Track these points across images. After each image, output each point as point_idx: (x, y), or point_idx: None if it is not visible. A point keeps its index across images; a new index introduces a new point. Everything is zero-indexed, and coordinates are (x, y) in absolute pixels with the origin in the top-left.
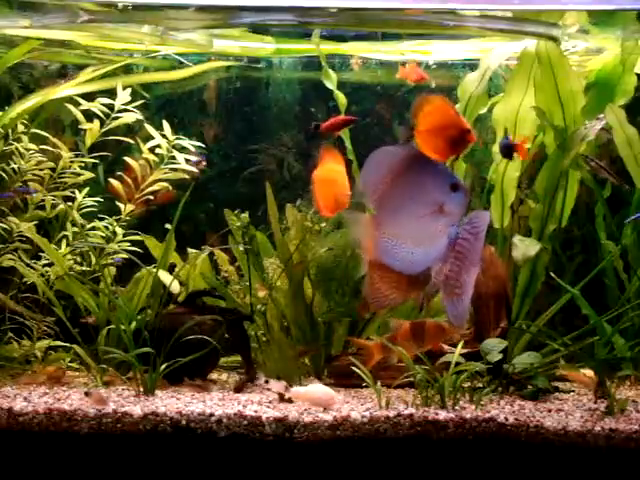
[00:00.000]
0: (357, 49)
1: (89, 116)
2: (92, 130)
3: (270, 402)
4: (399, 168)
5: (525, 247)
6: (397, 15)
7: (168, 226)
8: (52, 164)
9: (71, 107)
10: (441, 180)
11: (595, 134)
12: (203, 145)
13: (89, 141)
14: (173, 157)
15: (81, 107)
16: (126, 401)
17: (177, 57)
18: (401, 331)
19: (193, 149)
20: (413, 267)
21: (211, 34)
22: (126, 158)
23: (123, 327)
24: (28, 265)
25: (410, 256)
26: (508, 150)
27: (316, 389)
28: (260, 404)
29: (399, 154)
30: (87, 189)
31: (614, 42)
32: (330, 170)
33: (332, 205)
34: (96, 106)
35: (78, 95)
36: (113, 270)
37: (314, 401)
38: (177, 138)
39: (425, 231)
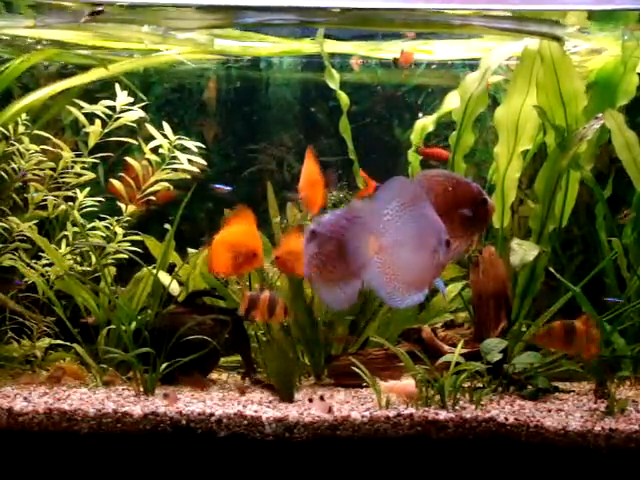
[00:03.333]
0: (358, 48)
1: (89, 116)
2: (95, 131)
3: (270, 402)
4: (409, 202)
5: (523, 252)
6: (400, 14)
7: (168, 226)
8: (53, 164)
9: (72, 109)
10: (439, 230)
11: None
12: (203, 145)
13: (92, 142)
14: (174, 157)
15: (84, 110)
16: (126, 401)
17: (177, 56)
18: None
19: (195, 149)
20: (391, 302)
21: (212, 33)
22: (127, 158)
23: (123, 327)
24: (28, 265)
25: (394, 291)
26: None
27: (401, 383)
28: (260, 404)
29: (412, 188)
30: (88, 189)
31: (614, 42)
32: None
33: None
34: (98, 109)
35: (78, 87)
36: (113, 270)
37: (399, 391)
38: (178, 138)
39: (418, 273)
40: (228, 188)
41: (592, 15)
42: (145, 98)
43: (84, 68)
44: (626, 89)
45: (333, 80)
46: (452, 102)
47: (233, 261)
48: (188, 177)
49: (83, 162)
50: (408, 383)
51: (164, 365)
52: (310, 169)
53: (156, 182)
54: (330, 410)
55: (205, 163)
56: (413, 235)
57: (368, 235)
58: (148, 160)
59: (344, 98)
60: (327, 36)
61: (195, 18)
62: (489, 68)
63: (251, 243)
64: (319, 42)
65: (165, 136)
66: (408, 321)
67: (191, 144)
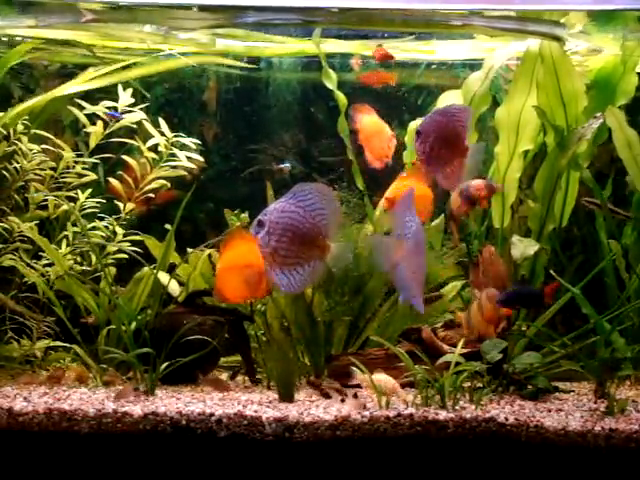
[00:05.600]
0: (358, 48)
1: (90, 117)
2: (96, 132)
3: (270, 402)
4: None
5: (524, 246)
6: (401, 14)
7: (168, 226)
8: (53, 164)
9: (74, 109)
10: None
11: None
12: (202, 144)
13: (93, 143)
14: (172, 155)
15: (85, 111)
16: (126, 401)
17: (178, 55)
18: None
19: (193, 146)
20: (415, 303)
21: (214, 33)
22: (125, 157)
23: (123, 327)
24: (28, 265)
25: (411, 296)
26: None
27: (379, 377)
28: (260, 404)
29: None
30: (89, 190)
31: (613, 42)
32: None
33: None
34: (99, 109)
35: (81, 92)
36: (113, 270)
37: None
38: (175, 136)
39: (423, 274)
40: (287, 165)
41: (592, 15)
42: (148, 95)
43: (83, 67)
44: (625, 89)
45: (330, 80)
46: (446, 101)
47: (243, 286)
48: (186, 174)
49: (84, 162)
50: (387, 379)
51: (164, 365)
52: (372, 121)
53: (154, 180)
54: (365, 407)
55: (203, 160)
56: (424, 238)
57: (319, 217)
58: (146, 158)
59: (342, 98)
60: (328, 36)
61: (196, 18)
62: (492, 67)
63: (255, 262)
64: (315, 42)
65: (162, 134)
66: (408, 321)
67: (188, 141)
